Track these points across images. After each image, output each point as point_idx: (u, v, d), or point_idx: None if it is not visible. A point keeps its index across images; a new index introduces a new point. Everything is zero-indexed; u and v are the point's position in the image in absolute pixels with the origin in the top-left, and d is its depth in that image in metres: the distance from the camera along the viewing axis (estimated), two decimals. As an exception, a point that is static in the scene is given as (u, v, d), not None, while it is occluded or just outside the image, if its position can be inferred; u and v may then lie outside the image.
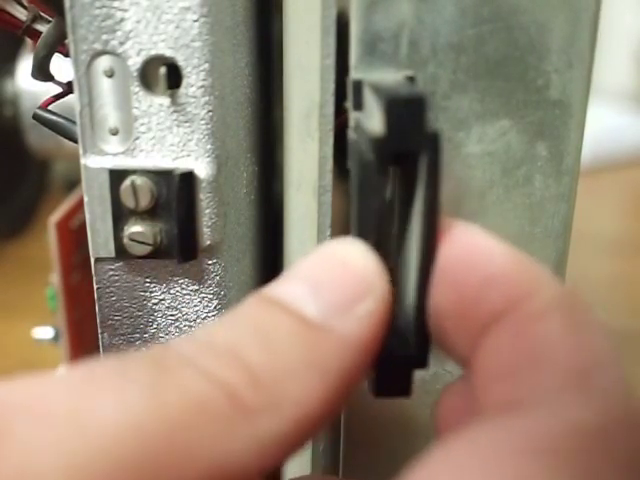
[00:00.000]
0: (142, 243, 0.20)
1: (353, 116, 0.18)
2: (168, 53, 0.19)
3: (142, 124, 0.19)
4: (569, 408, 0.13)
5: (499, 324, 0.15)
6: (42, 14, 0.22)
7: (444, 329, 0.16)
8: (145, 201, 0.19)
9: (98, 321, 0.21)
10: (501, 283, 0.15)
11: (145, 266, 0.21)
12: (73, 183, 0.38)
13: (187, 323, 0.21)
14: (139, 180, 0.19)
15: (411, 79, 0.18)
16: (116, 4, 0.18)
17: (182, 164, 0.20)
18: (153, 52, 0.19)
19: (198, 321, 0.21)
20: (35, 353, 0.37)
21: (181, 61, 0.19)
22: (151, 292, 0.21)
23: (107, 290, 0.21)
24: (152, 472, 0.13)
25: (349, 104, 0.18)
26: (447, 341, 0.16)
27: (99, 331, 0.21)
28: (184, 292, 0.21)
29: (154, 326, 0.21)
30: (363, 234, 0.17)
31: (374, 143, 0.16)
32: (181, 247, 0.20)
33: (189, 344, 0.15)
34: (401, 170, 0.17)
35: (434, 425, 0.17)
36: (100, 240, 0.20)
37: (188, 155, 0.20)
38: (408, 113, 0.16)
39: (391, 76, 0.18)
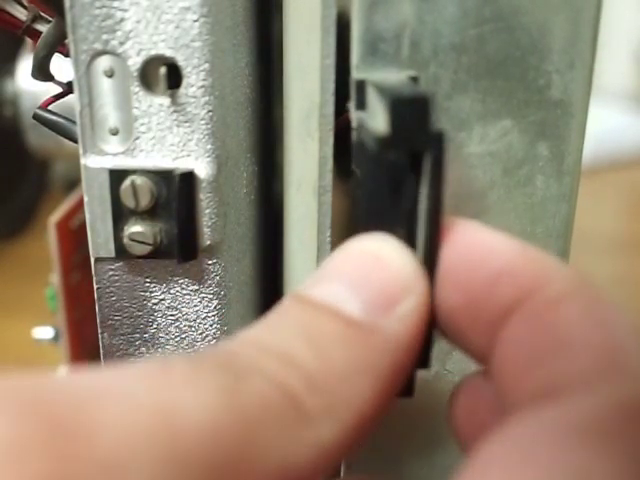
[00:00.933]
0: (142, 243, 0.20)
1: (356, 116, 0.18)
2: (168, 53, 0.19)
3: (142, 124, 0.19)
4: (606, 389, 0.13)
5: (515, 315, 0.15)
6: (42, 14, 0.22)
7: (459, 328, 0.16)
8: (145, 201, 0.19)
9: (98, 321, 0.21)
10: (511, 276, 0.15)
11: (145, 266, 0.21)
12: (73, 183, 0.38)
13: (187, 323, 0.21)
14: (139, 180, 0.19)
15: (414, 79, 0.18)
16: (116, 4, 0.18)
17: (182, 164, 0.20)
18: (153, 52, 0.19)
19: (198, 321, 0.21)
20: (35, 353, 0.37)
21: (181, 61, 0.19)
22: (151, 292, 0.21)
23: (107, 290, 0.21)
24: (226, 474, 0.13)
25: (351, 104, 0.18)
26: (464, 339, 0.16)
27: (99, 331, 0.21)
28: (184, 292, 0.21)
29: (154, 326, 0.21)
30: (369, 232, 0.17)
31: (379, 142, 0.16)
32: (181, 247, 0.20)
33: (251, 349, 0.14)
34: (406, 169, 0.17)
35: (454, 430, 0.17)
36: (100, 240, 0.20)
37: (188, 155, 0.20)
38: (413, 112, 0.16)
39: (394, 76, 0.18)
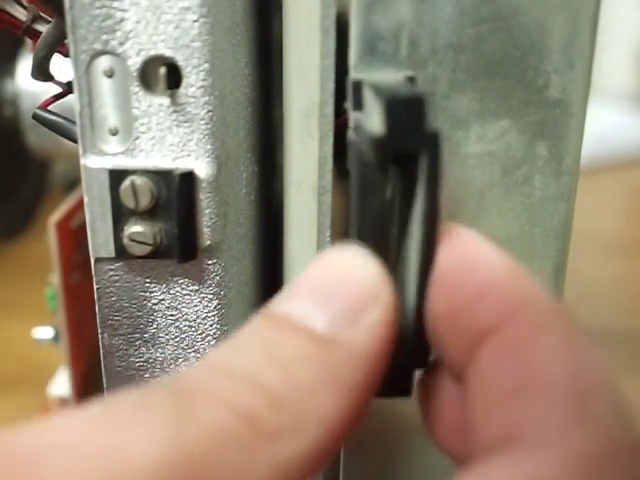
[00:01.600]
0: (142, 243, 0.20)
1: (353, 116, 0.18)
2: (168, 53, 0.19)
3: (142, 124, 0.19)
4: (569, 442, 0.13)
5: (491, 339, 0.15)
6: (42, 14, 0.22)
7: (439, 334, 0.16)
8: (145, 201, 0.19)
9: (98, 321, 0.21)
10: (494, 296, 0.15)
11: (145, 266, 0.21)
12: (73, 183, 0.38)
13: (187, 323, 0.21)
14: (139, 180, 0.19)
15: (411, 79, 0.18)
16: (116, 4, 0.18)
17: (182, 164, 0.20)
18: (153, 52, 0.19)
19: (198, 321, 0.21)
20: (35, 353, 0.37)
21: (181, 61, 0.19)
22: (151, 292, 0.21)
23: (107, 290, 0.21)
24: None
25: (349, 104, 0.18)
26: (445, 351, 0.16)
27: (99, 331, 0.21)
28: (184, 292, 0.21)
29: (154, 326, 0.21)
30: (363, 235, 0.17)
31: (374, 143, 0.16)
32: (181, 247, 0.20)
33: (206, 372, 0.15)
34: (402, 170, 0.17)
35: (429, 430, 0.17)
36: (100, 240, 0.20)
37: (188, 155, 0.20)
38: (408, 113, 0.16)
39: (391, 76, 0.18)
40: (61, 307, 0.31)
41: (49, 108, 0.22)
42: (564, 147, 0.20)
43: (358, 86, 0.18)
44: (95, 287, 0.21)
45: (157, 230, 0.20)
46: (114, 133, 0.19)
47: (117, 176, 0.19)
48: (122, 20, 0.18)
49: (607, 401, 0.14)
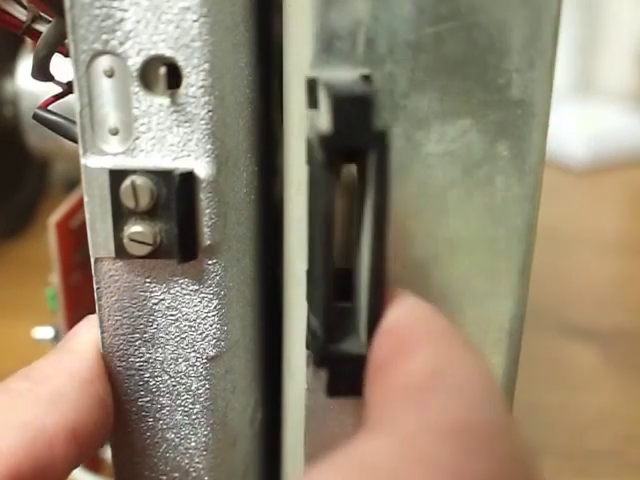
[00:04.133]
0: (142, 243, 0.20)
1: (309, 115, 0.18)
2: (168, 53, 0.19)
3: (142, 124, 0.19)
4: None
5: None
6: (42, 14, 0.22)
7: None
8: (145, 201, 0.19)
9: (98, 321, 0.21)
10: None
11: (145, 266, 0.21)
12: (73, 183, 0.38)
13: (187, 323, 0.21)
14: (139, 180, 0.19)
15: (366, 77, 0.18)
16: (116, 4, 0.18)
17: (182, 164, 0.20)
18: (153, 52, 0.19)
19: (198, 321, 0.21)
20: (35, 353, 0.37)
21: (181, 61, 0.19)
22: (151, 292, 0.21)
23: (107, 290, 0.21)
24: None
25: (305, 102, 0.18)
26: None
27: (99, 331, 0.21)
28: (184, 292, 0.21)
29: (154, 326, 0.21)
30: (314, 233, 0.17)
31: (321, 140, 0.16)
32: (181, 247, 0.20)
33: None
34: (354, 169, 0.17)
35: None
36: (100, 240, 0.20)
37: (188, 155, 0.20)
38: (355, 111, 0.16)
39: (346, 74, 0.18)
40: (61, 307, 0.31)
41: (49, 108, 0.22)
42: (526, 147, 0.19)
43: (313, 84, 0.18)
44: (95, 287, 0.21)
45: (157, 230, 0.20)
46: (114, 133, 0.19)
47: (117, 176, 0.19)
48: (122, 20, 0.18)
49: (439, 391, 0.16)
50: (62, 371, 0.20)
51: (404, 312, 0.18)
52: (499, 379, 0.22)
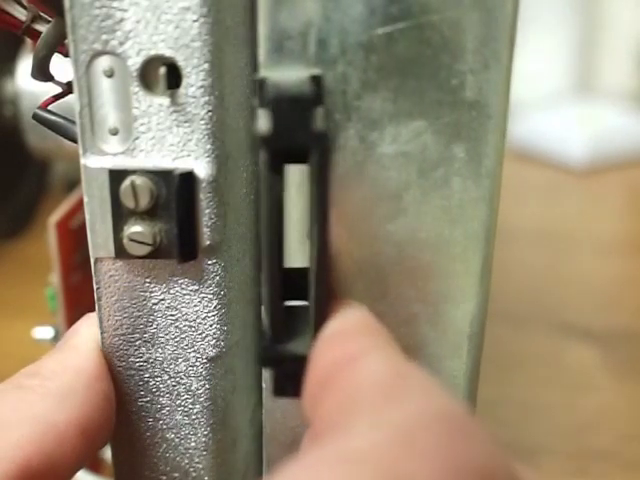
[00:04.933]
0: (142, 243, 0.20)
1: (259, 114, 0.18)
2: (168, 53, 0.19)
3: (142, 124, 0.19)
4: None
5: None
6: (42, 14, 0.22)
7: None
8: (145, 201, 0.19)
9: (98, 321, 0.21)
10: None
11: (145, 266, 0.21)
12: (73, 183, 0.38)
13: (187, 323, 0.21)
14: (139, 180, 0.19)
15: (316, 78, 0.18)
16: (116, 4, 0.18)
17: (182, 164, 0.20)
18: (153, 52, 0.19)
19: (198, 321, 0.21)
20: (35, 353, 0.37)
21: (181, 61, 0.19)
22: (151, 292, 0.21)
23: (107, 290, 0.21)
24: None
25: (256, 102, 0.18)
26: None
27: (99, 331, 0.21)
28: (184, 292, 0.21)
29: (154, 326, 0.21)
30: (264, 232, 0.17)
31: (262, 140, 0.16)
32: (181, 247, 0.20)
33: None
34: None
35: None
36: (100, 240, 0.20)
37: (188, 155, 0.20)
38: (294, 111, 0.16)
39: (295, 74, 0.18)
40: (61, 307, 0.31)
41: (49, 108, 0.22)
42: (483, 149, 0.19)
43: (262, 84, 0.18)
44: (95, 287, 0.21)
45: (157, 230, 0.20)
46: (114, 133, 0.19)
47: (117, 176, 0.19)
48: (122, 20, 0.18)
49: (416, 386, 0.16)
50: (69, 368, 0.21)
51: (347, 321, 0.18)
52: (460, 382, 0.22)
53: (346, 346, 0.17)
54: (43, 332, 0.34)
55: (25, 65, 0.48)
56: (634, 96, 0.85)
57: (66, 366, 0.21)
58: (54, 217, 0.30)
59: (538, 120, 0.79)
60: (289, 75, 0.18)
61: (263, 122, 0.17)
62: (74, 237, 0.30)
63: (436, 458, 0.14)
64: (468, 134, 0.19)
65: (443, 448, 0.14)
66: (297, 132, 0.16)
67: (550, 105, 0.83)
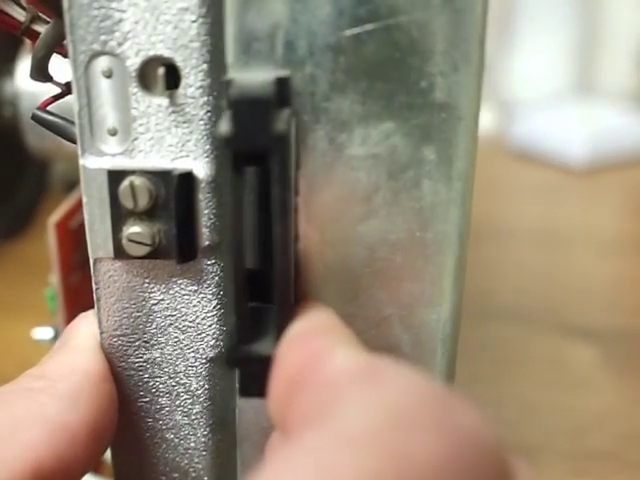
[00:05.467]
0: (141, 244, 0.20)
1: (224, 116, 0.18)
2: (166, 54, 0.19)
3: (141, 125, 0.19)
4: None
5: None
6: (41, 15, 0.22)
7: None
8: (144, 202, 0.19)
9: (97, 322, 0.21)
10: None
11: (144, 266, 0.21)
12: (73, 183, 0.38)
13: (186, 323, 0.21)
14: (138, 181, 0.19)
15: (282, 80, 0.18)
16: (114, 5, 0.18)
17: (181, 164, 0.20)
18: (151, 53, 0.19)
19: (197, 321, 0.21)
20: (35, 353, 0.37)
21: (179, 62, 0.19)
22: (150, 292, 0.21)
23: (106, 291, 0.21)
24: None
25: (224, 102, 0.19)
26: None
27: (98, 332, 0.21)
28: (183, 292, 0.21)
29: (153, 326, 0.21)
30: (226, 234, 0.18)
31: (221, 141, 0.17)
32: (180, 247, 0.20)
33: None
34: (257, 170, 0.17)
35: None
36: (99, 241, 0.20)
37: (187, 155, 0.20)
38: (253, 113, 0.16)
39: (262, 76, 0.18)
40: (61, 307, 0.31)
41: (48, 109, 0.22)
42: (453, 152, 0.19)
43: (229, 85, 0.18)
44: (94, 288, 0.21)
45: (156, 230, 0.20)
46: (113, 133, 0.19)
47: (116, 176, 0.19)
48: (120, 21, 0.18)
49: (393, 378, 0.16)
50: (77, 369, 0.21)
51: (311, 322, 0.18)
52: None
53: (310, 345, 0.17)
54: (43, 333, 0.34)
55: (24, 66, 0.48)
56: (634, 96, 0.85)
57: (73, 368, 0.21)
58: (53, 217, 0.30)
59: (538, 120, 0.79)
60: (255, 77, 0.18)
61: (225, 123, 0.17)
62: (73, 237, 0.30)
63: (434, 433, 0.14)
64: (438, 136, 0.19)
65: (438, 423, 0.14)
66: (257, 134, 0.16)
67: (550, 105, 0.83)
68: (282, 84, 0.18)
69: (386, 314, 0.20)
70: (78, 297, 0.31)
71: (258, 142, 0.16)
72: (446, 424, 0.15)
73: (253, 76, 0.18)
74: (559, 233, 0.61)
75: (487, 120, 0.83)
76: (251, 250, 0.18)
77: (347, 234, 0.20)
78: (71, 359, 0.21)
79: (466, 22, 0.18)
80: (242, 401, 0.22)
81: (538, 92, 0.86)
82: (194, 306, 0.21)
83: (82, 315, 0.22)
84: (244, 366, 0.19)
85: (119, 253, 0.20)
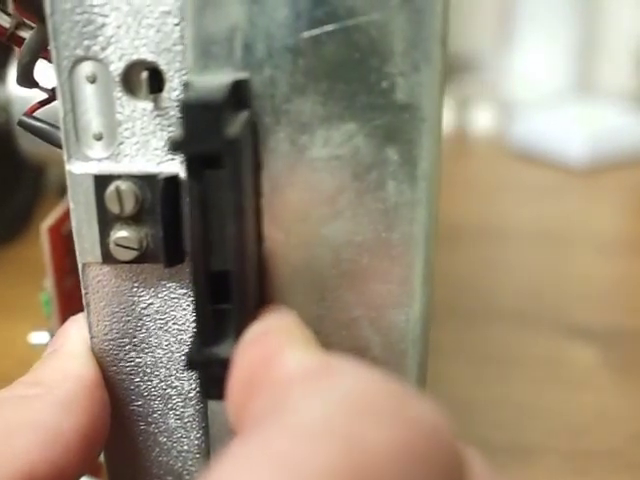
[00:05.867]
0: (128, 248, 0.20)
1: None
2: (150, 57, 0.19)
3: (126, 129, 0.19)
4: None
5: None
6: (26, 21, 0.22)
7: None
8: (130, 206, 0.19)
9: (87, 326, 0.21)
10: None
11: (132, 271, 0.21)
12: (66, 188, 0.38)
13: (176, 327, 0.21)
14: (124, 185, 0.19)
15: (239, 83, 0.18)
16: (97, 10, 0.18)
17: (166, 168, 0.20)
18: (135, 57, 0.19)
19: (187, 324, 0.21)
20: (33, 354, 0.37)
21: (163, 65, 0.19)
22: (139, 296, 0.21)
23: (95, 295, 0.21)
24: None
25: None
26: None
27: (89, 336, 0.22)
28: (172, 296, 0.21)
29: (143, 330, 0.21)
30: (188, 236, 0.18)
31: (171, 145, 0.17)
32: (167, 251, 0.20)
33: None
34: (210, 174, 0.17)
35: None
36: (87, 246, 0.20)
37: (172, 159, 0.20)
38: (204, 117, 0.16)
39: (218, 79, 0.18)
40: (56, 312, 0.31)
41: (35, 114, 0.22)
42: (417, 152, 0.19)
43: (185, 89, 0.18)
44: (83, 292, 0.21)
45: (143, 235, 0.20)
46: (98, 138, 0.19)
47: (102, 181, 0.19)
48: (103, 25, 0.18)
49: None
50: (70, 376, 0.21)
51: (268, 324, 0.18)
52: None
53: (264, 346, 0.17)
54: (39, 337, 0.34)
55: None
56: (634, 96, 0.84)
57: (66, 374, 0.21)
58: (46, 223, 0.30)
59: (538, 120, 0.79)
60: (212, 80, 0.18)
61: (178, 127, 0.17)
62: (66, 242, 0.30)
63: (388, 423, 0.14)
64: (401, 137, 0.19)
65: (392, 413, 0.15)
66: (207, 138, 0.16)
67: (550, 105, 0.83)
68: (239, 87, 0.18)
69: (355, 315, 0.20)
70: (72, 301, 0.31)
71: (210, 146, 0.16)
72: (400, 415, 0.15)
73: (210, 79, 0.18)
74: (559, 233, 0.61)
75: (487, 120, 0.83)
76: (218, 252, 0.18)
77: (312, 235, 0.20)
78: (64, 365, 0.21)
79: (426, 22, 0.18)
80: (214, 403, 0.22)
81: (538, 92, 0.86)
82: (183, 309, 0.21)
83: (72, 319, 0.22)
84: (205, 369, 0.19)
85: (107, 258, 0.20)
